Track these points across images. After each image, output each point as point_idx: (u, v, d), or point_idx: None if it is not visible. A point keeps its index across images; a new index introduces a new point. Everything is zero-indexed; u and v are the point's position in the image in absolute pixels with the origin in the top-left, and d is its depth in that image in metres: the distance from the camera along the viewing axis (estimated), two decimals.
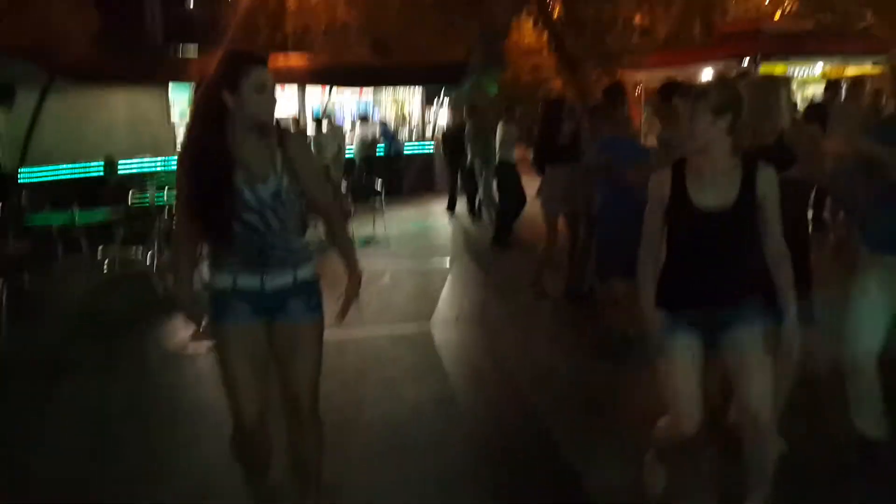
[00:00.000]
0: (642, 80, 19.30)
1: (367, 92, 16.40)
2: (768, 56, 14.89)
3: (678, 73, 18.57)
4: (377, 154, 14.19)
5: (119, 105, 11.88)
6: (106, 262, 7.48)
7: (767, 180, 2.48)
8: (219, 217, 2.44)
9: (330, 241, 2.80)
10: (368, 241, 9.51)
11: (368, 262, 8.08)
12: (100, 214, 7.99)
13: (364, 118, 14.54)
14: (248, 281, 2.53)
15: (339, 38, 20.98)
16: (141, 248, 7.19)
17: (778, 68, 16.16)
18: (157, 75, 12.35)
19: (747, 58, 15.25)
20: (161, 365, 5.03)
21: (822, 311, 3.18)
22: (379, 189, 10.42)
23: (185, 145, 2.58)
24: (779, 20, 20.95)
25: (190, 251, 2.67)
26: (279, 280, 2.55)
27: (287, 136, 2.57)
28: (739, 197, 2.45)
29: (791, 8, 23.71)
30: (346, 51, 20.48)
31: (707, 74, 17.96)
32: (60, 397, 4.50)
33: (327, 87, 14.96)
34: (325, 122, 13.60)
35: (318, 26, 20.77)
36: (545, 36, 26.90)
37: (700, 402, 2.54)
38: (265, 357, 2.62)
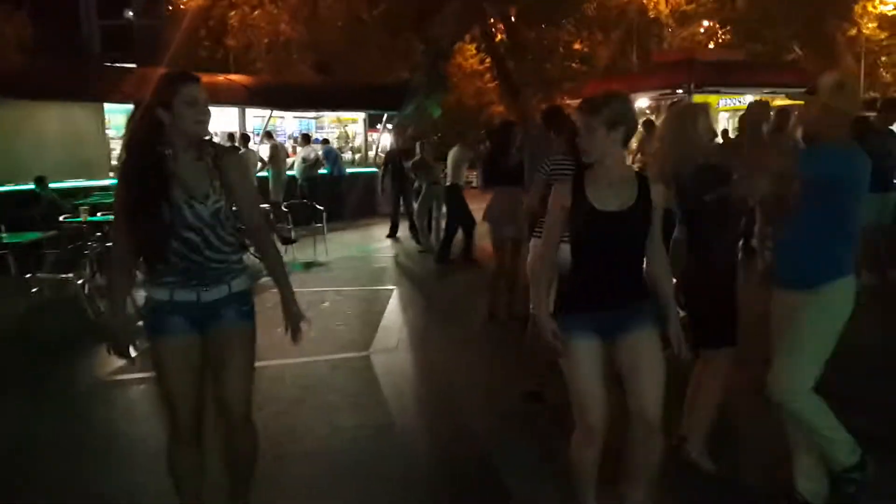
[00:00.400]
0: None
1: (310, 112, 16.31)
2: (700, 86, 15.41)
3: None
4: (318, 175, 14.11)
5: (52, 121, 11.49)
6: (35, 286, 7.22)
7: (657, 192, 2.73)
8: (157, 234, 2.54)
9: (262, 259, 2.91)
10: (309, 265, 9.46)
11: (309, 286, 8.10)
12: (30, 236, 7.73)
13: (306, 138, 14.45)
14: (184, 295, 2.64)
15: (281, 56, 20.92)
16: (72, 272, 6.96)
17: (710, 98, 16.79)
18: (94, 91, 11.98)
19: (681, 87, 15.72)
20: (90, 394, 4.89)
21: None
22: (321, 210, 10.39)
23: (123, 163, 2.67)
24: (712, 50, 21.75)
25: (126, 273, 2.76)
26: (214, 293, 2.66)
27: (223, 155, 2.69)
28: (636, 201, 2.67)
29: (724, 38, 24.73)
30: (289, 70, 20.43)
31: (643, 102, 18.56)
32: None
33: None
34: (264, 141, 13.55)
35: (260, 43, 20.69)
36: (488, 60, 27.39)
37: (603, 398, 2.68)
38: (200, 366, 2.72)
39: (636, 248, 2.73)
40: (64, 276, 7.00)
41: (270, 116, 14.79)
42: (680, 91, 15.84)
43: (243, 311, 2.74)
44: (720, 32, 25.10)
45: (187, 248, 2.57)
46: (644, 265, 2.81)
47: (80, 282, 6.92)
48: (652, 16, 24.09)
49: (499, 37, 26.10)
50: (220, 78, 15.08)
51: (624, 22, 24.12)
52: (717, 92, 16.31)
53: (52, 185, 9.94)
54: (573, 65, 25.57)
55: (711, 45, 24.90)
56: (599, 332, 2.69)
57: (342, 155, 15.20)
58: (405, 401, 4.75)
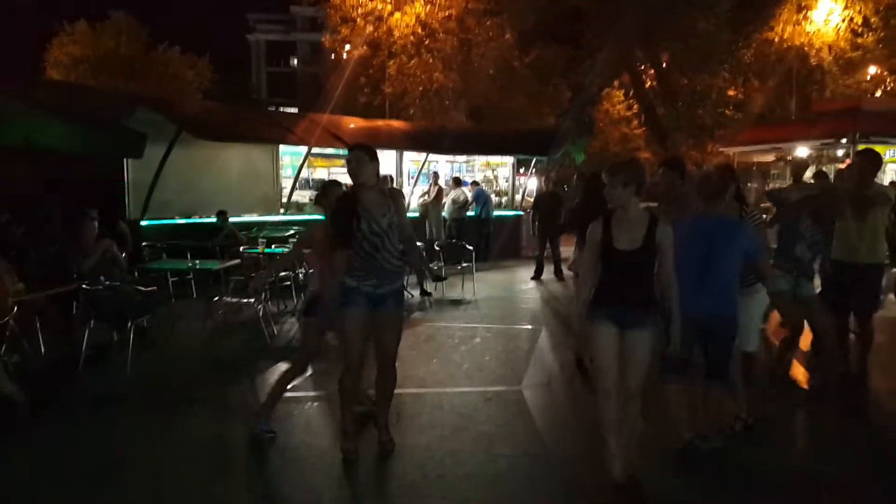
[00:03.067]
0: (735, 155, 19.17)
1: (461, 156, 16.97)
2: (867, 135, 14.64)
3: (773, 150, 18.46)
4: (466, 216, 14.62)
5: (233, 160, 12.61)
6: (218, 309, 8.05)
7: (663, 232, 3.73)
8: (352, 237, 4.20)
9: (409, 256, 4.45)
10: (458, 302, 9.85)
11: (459, 322, 8.46)
12: (215, 264, 8.65)
13: (457, 181, 15.04)
14: (365, 286, 4.25)
15: (434, 103, 21.88)
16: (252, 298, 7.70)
17: (877, 148, 15.86)
18: (271, 134, 13.07)
19: (845, 137, 15.01)
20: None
21: None
22: (470, 250, 10.79)
23: (333, 205, 4.51)
24: (879, 98, 20.55)
25: (338, 265, 4.30)
26: (383, 288, 4.28)
27: (395, 193, 4.49)
28: (644, 241, 3.70)
29: (893, 87, 23.27)
30: (442, 116, 21.31)
31: (803, 152, 17.78)
32: (182, 430, 4.95)
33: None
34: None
35: (415, 91, 21.76)
36: (636, 106, 27.24)
37: (616, 366, 3.76)
38: (369, 329, 4.33)
39: (642, 273, 3.77)
40: (245, 300, 7.77)
41: (426, 160, 15.53)
42: (844, 140, 15.15)
43: (398, 301, 4.41)
44: (889, 80, 23.65)
45: (372, 248, 4.21)
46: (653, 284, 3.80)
47: (258, 307, 7.66)
48: (814, 62, 23.08)
49: (648, 83, 25.99)
50: (381, 123, 16.06)
51: (782, 68, 23.27)
52: (886, 142, 15.42)
53: (231, 219, 10.98)
54: (726, 111, 24.86)
55: (879, 94, 23.51)
56: (616, 324, 3.76)
57: (491, 199, 15.63)
58: (558, 433, 4.93)
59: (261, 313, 7.60)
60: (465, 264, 10.83)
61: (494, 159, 17.21)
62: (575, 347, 6.47)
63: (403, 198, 4.46)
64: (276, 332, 7.79)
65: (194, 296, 9.46)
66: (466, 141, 15.89)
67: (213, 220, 10.89)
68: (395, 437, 4.54)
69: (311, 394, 5.76)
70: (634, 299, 3.76)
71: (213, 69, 36.22)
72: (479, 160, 17.31)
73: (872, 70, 23.91)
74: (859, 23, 21.81)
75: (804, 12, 22.31)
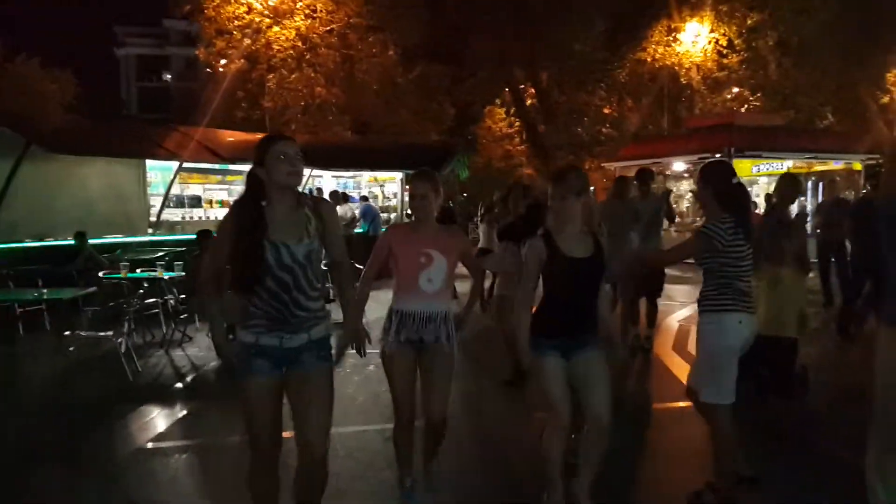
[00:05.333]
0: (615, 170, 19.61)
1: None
2: (742, 150, 15.22)
3: (652, 164, 19.04)
4: (353, 234, 14.01)
5: (93, 177, 11.51)
6: (72, 344, 7.02)
7: (601, 243, 3.51)
8: (254, 271, 2.84)
9: (339, 289, 3.36)
10: None
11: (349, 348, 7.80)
12: (68, 293, 7.59)
13: (344, 197, 14.41)
14: (268, 340, 2.93)
15: (316, 118, 21.16)
16: (111, 330, 6.77)
17: (747, 163, 16.58)
18: (135, 148, 12.03)
19: (720, 152, 15.54)
20: (130, 462, 4.60)
21: None
22: (359, 268, 10.18)
23: (227, 215, 3.00)
24: (751, 115, 21.63)
25: (218, 299, 3.06)
26: (295, 340, 2.95)
27: (319, 203, 3.08)
28: (595, 249, 3.46)
29: (754, 105, 24.63)
30: (324, 131, 20.63)
31: (679, 166, 18.38)
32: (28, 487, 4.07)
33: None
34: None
35: (296, 105, 20.96)
36: (517, 124, 27.56)
37: (568, 399, 3.41)
38: (280, 403, 3.02)
39: (595, 284, 3.49)
40: (102, 334, 6.81)
41: (310, 176, 14.81)
42: (719, 155, 15.69)
43: (321, 355, 3.01)
44: (751, 99, 25.02)
45: (279, 287, 2.87)
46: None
47: (119, 340, 6.72)
48: (684, 81, 24.12)
49: (529, 101, 26.34)
50: (261, 137, 15.21)
51: (655, 88, 24.17)
52: (759, 156, 16.11)
53: (91, 241, 9.88)
54: (603, 129, 25.61)
55: (743, 110, 24.83)
56: (562, 352, 3.44)
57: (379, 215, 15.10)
58: (480, 478, 4.39)
59: (122, 348, 6.67)
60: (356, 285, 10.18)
61: (382, 174, 16.68)
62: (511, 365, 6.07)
63: (335, 211, 3.25)
64: (140, 368, 6.87)
65: (47, 328, 8.36)
66: (353, 155, 15.34)
67: (71, 242, 9.76)
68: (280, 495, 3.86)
69: (180, 444, 4.96)
70: (581, 322, 3.46)
71: (78, 83, 33.87)
72: (367, 175, 16.75)
73: (735, 90, 25.29)
74: (724, 45, 22.99)
75: (674, 34, 23.32)
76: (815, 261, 9.26)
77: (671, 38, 23.40)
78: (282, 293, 2.88)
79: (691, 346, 6.99)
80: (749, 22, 22.69)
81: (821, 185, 16.30)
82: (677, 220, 11.57)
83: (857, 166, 18.35)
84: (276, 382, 2.98)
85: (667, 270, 7.87)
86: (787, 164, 16.87)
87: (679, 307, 10.20)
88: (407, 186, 17.60)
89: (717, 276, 3.69)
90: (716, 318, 3.66)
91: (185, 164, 12.28)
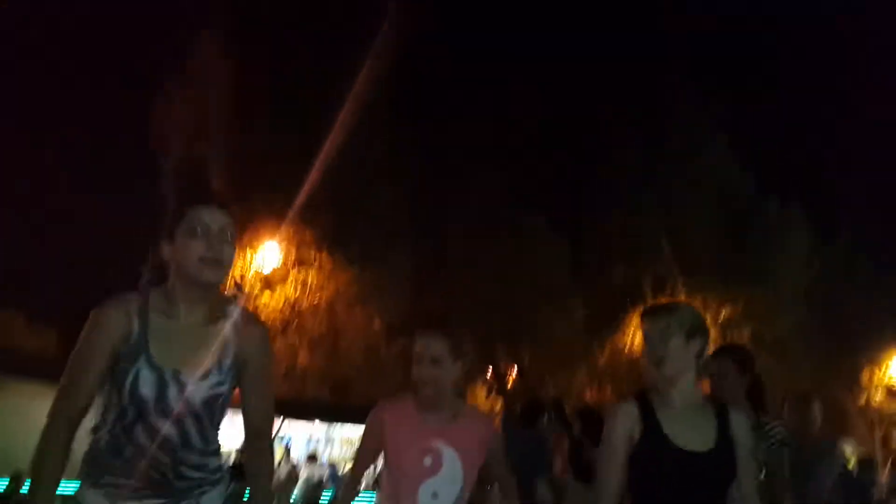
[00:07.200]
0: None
1: (320, 427, 15.92)
2: None
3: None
4: (322, 499, 13.16)
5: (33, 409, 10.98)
6: None
7: (740, 424, 2.17)
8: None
9: (250, 476, 2.07)
10: None
11: None
12: None
13: (312, 458, 13.79)
14: None
15: (296, 384, 20.99)
16: None
17: None
18: None
19: None
20: None
21: None
22: None
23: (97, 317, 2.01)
24: None
25: (62, 455, 1.86)
26: None
27: (246, 322, 1.98)
28: (718, 439, 2.10)
29: None
30: (302, 394, 20.39)
31: None
32: None
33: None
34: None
35: (277, 369, 20.90)
36: (499, 404, 27.41)
37: None
38: None
39: (719, 496, 2.13)
40: None
41: (281, 425, 14.36)
42: None
43: None
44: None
45: (155, 443, 1.81)
46: None
47: None
48: None
49: (511, 381, 26.45)
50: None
51: (635, 374, 24.49)
52: None
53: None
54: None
55: None
56: None
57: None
58: None
59: None
60: None
61: (357, 435, 16.21)
62: None
63: (268, 342, 2.13)
64: None
65: None
66: (327, 408, 15.04)
67: (5, 480, 9.06)
68: None
69: None
70: None
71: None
72: (339, 436, 16.23)
73: None
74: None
75: None
76: None
77: None
78: (159, 452, 1.84)
79: None
80: (722, 315, 23.67)
81: None
82: None
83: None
84: None
85: None
86: None
87: None
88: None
89: None
90: None
91: None
